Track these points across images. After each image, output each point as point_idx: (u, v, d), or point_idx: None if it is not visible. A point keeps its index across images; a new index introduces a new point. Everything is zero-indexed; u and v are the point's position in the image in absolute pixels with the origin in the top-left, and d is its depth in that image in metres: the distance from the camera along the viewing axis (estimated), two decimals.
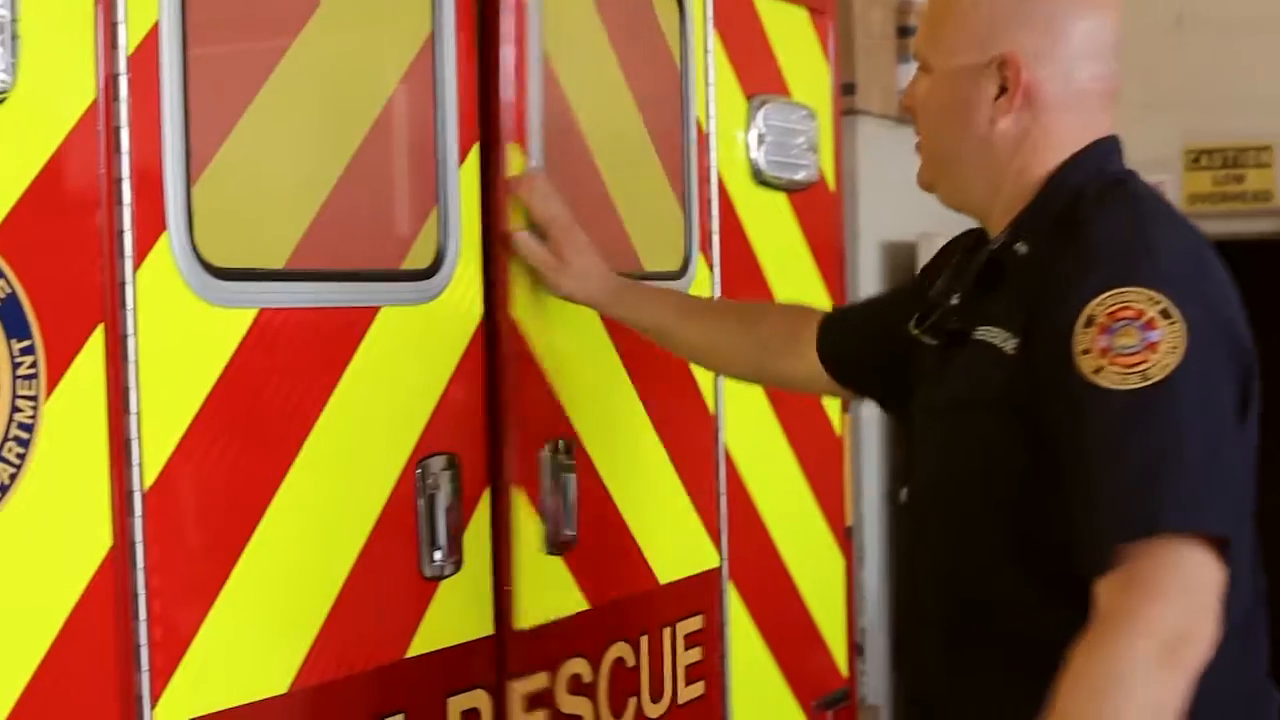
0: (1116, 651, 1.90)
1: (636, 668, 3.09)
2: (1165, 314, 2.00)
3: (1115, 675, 1.89)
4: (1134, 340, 2.00)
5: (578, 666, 2.93)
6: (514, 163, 2.79)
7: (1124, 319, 2.01)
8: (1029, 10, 2.22)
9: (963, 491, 2.23)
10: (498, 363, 2.77)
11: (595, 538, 2.96)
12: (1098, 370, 2.01)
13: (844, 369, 2.73)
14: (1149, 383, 1.98)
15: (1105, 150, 2.27)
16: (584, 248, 2.83)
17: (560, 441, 2.87)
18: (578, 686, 2.92)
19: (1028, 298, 2.14)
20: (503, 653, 2.76)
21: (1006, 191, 2.26)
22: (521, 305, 2.81)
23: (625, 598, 3.07)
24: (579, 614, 2.94)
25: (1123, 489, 1.98)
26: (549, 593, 2.86)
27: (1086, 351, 2.02)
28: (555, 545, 2.85)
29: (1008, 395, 2.12)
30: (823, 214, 3.80)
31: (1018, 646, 2.16)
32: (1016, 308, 2.15)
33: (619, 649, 3.04)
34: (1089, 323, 2.02)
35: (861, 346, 2.69)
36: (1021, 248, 2.21)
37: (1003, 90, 2.22)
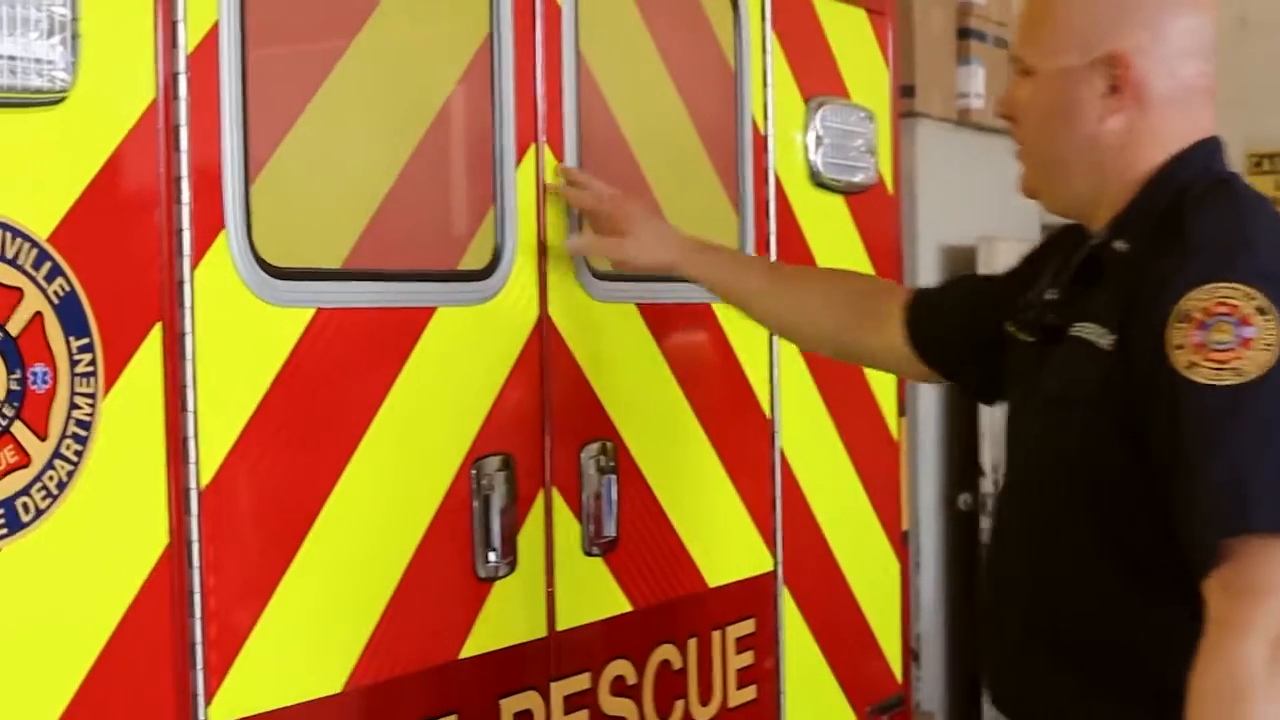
0: (1231, 663, 1.91)
1: (684, 670, 3.08)
2: (1261, 310, 1.99)
3: (1235, 690, 1.90)
4: (1228, 336, 1.98)
5: (621, 668, 2.92)
6: (549, 166, 2.79)
7: (1219, 314, 1.99)
8: (1130, 8, 2.21)
9: (1052, 490, 2.21)
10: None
11: (639, 540, 2.96)
12: (1191, 366, 1.99)
13: (933, 348, 2.69)
14: (1243, 380, 1.97)
15: (1210, 149, 2.26)
16: (645, 214, 2.83)
17: (603, 443, 2.87)
18: (621, 688, 2.92)
19: (1126, 294, 2.12)
20: (546, 653, 2.76)
21: (1110, 189, 2.24)
22: (562, 307, 2.81)
23: (671, 600, 3.06)
24: (622, 615, 2.93)
25: (1217, 486, 1.97)
26: (589, 594, 2.85)
27: (1180, 347, 2.00)
28: (596, 546, 2.85)
29: (1103, 391, 2.11)
30: (881, 217, 3.78)
31: (1102, 649, 2.15)
32: (1114, 304, 2.13)
33: (665, 651, 3.03)
34: (1184, 318, 2.01)
35: (955, 327, 2.66)
36: (1121, 245, 2.19)
37: (1112, 89, 2.21)
